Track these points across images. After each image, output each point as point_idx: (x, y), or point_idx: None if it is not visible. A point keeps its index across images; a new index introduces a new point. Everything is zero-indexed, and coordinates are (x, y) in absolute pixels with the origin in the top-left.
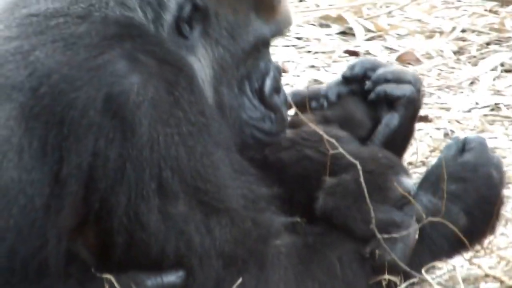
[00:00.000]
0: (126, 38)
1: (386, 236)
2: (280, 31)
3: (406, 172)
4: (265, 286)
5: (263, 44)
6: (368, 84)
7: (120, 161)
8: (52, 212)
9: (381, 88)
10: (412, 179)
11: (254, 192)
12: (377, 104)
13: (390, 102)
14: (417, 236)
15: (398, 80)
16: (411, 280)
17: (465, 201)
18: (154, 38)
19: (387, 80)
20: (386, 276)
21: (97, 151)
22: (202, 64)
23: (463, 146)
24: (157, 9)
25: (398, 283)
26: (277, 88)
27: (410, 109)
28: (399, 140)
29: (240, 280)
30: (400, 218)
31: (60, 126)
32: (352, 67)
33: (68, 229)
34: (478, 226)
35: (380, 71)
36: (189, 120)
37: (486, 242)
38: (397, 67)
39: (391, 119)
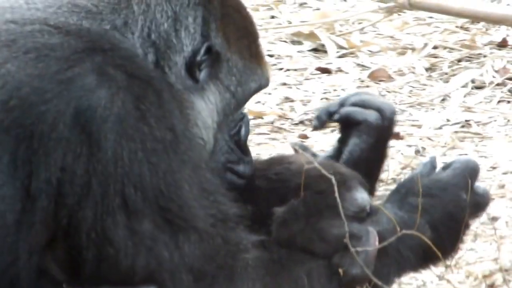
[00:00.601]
0: (97, 51)
1: (359, 248)
2: (268, 82)
3: (362, 186)
4: None
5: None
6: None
7: (86, 177)
8: (23, 228)
9: (344, 109)
10: (366, 191)
11: (223, 212)
12: (346, 130)
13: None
14: (377, 243)
15: (366, 106)
16: None
17: (431, 215)
18: (125, 51)
19: (355, 105)
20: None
21: (65, 166)
22: (209, 108)
23: (448, 165)
24: (164, 50)
25: None
26: (248, 133)
27: (374, 136)
28: (366, 165)
29: None
30: (356, 228)
31: (30, 140)
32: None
33: (39, 245)
34: (442, 242)
35: (353, 97)
36: (154, 136)
37: (455, 257)
38: (375, 95)
39: (353, 146)
